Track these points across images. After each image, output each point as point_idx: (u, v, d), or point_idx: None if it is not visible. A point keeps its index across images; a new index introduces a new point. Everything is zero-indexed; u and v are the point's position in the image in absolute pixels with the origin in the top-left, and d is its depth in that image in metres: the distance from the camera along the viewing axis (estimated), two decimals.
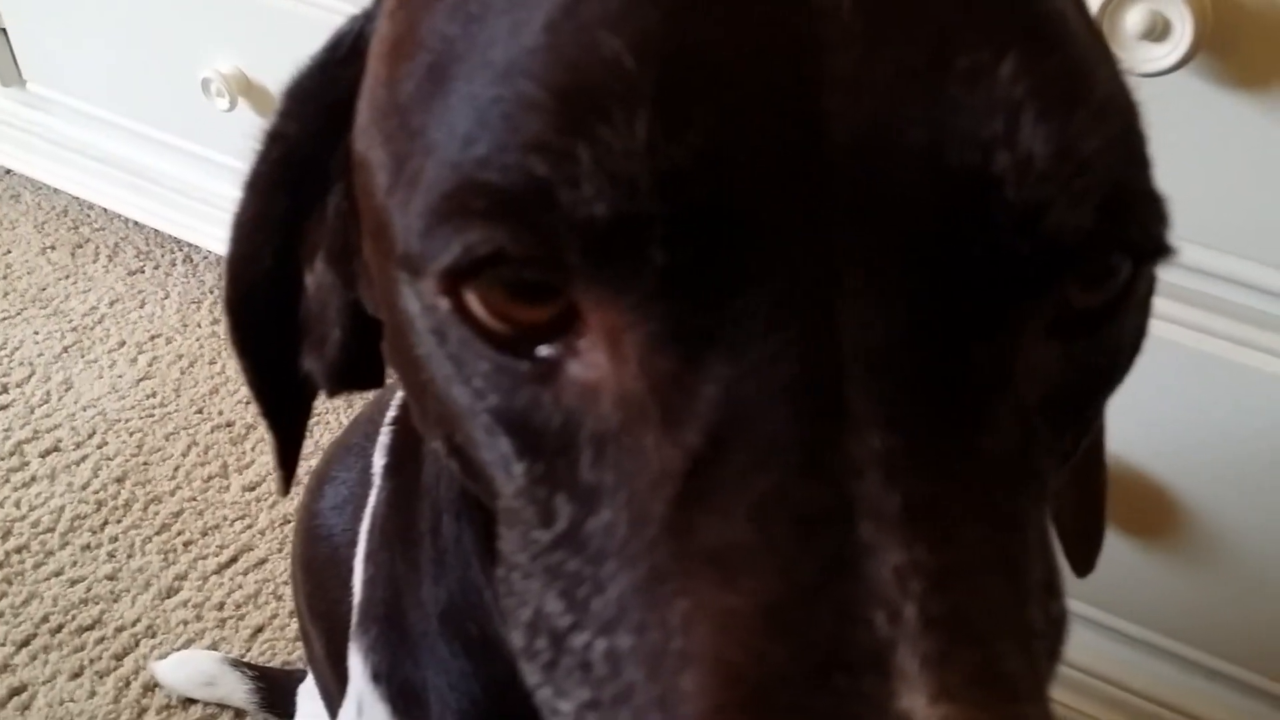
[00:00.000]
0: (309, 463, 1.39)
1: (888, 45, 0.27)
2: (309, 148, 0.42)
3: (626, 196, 0.27)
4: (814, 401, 0.27)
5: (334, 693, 0.77)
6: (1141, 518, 1.07)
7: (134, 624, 1.41)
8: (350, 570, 0.67)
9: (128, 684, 1.35)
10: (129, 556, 1.48)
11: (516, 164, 0.27)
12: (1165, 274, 0.89)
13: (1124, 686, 1.20)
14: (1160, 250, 0.32)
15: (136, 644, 1.39)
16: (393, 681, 0.55)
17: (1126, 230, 0.30)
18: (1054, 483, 0.35)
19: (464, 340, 0.30)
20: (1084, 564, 0.54)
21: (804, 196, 0.27)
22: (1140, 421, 1.01)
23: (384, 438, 0.62)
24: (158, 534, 1.51)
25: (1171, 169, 0.88)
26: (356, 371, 0.45)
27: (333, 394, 0.47)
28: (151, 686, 1.34)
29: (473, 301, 0.29)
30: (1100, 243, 0.30)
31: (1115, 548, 1.09)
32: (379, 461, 0.61)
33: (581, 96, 0.27)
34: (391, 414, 0.62)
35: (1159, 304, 0.94)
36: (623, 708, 0.28)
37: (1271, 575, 1.04)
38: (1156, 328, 0.94)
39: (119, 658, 1.37)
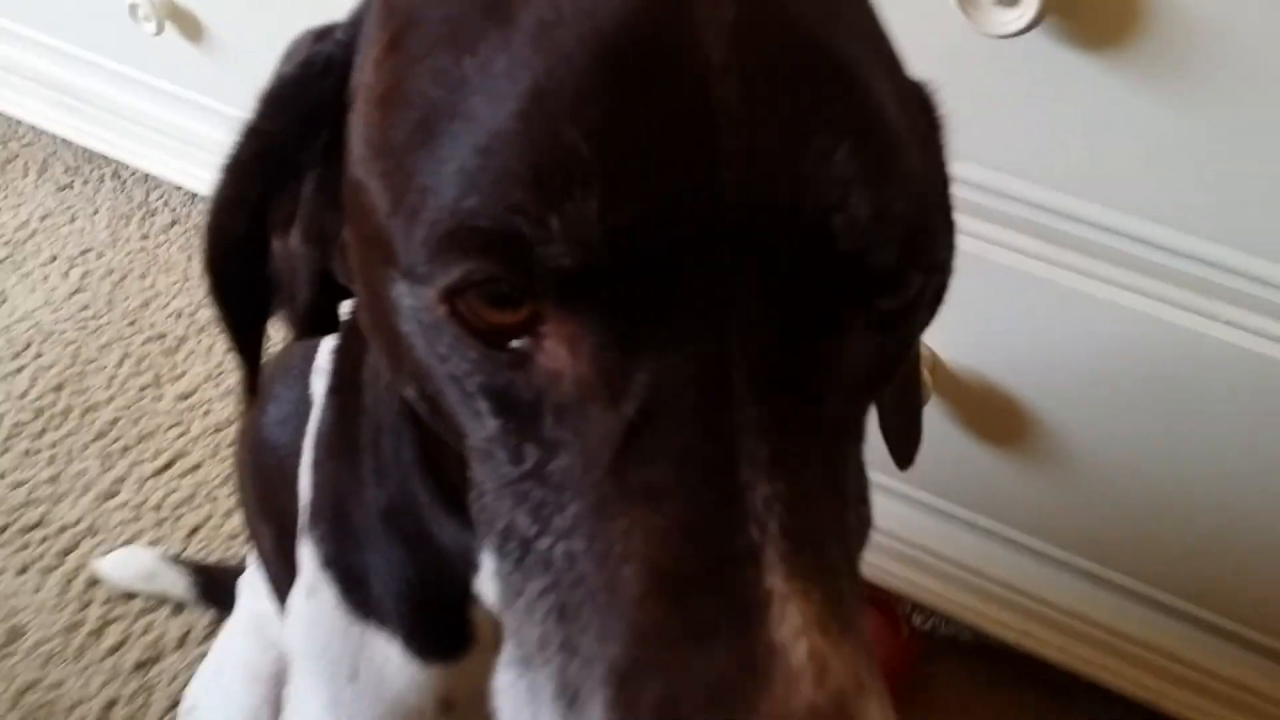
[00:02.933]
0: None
1: (765, 135, 0.38)
2: (282, 143, 0.50)
3: (584, 252, 0.37)
4: (712, 386, 0.38)
5: (282, 582, 0.88)
6: (995, 426, 1.20)
7: (76, 524, 1.50)
8: (295, 477, 0.77)
9: (71, 579, 1.44)
10: (69, 461, 1.56)
11: (504, 221, 0.37)
12: (1025, 213, 1.00)
13: (983, 575, 1.34)
14: (943, 270, 0.43)
15: (79, 543, 1.48)
16: (339, 567, 0.65)
17: (919, 261, 0.41)
18: (866, 422, 0.46)
19: (455, 335, 0.40)
20: (905, 461, 0.66)
21: (706, 245, 0.38)
22: (995, 343, 1.14)
23: (324, 363, 0.72)
24: (95, 440, 1.59)
25: (1025, 120, 0.99)
26: (320, 321, 0.54)
27: (299, 339, 0.56)
28: (95, 582, 1.44)
29: (463, 308, 0.39)
30: (901, 271, 0.41)
31: (973, 452, 1.22)
32: (319, 384, 0.71)
33: (552, 177, 0.36)
34: (331, 344, 0.72)
35: (1017, 239, 1.06)
36: (577, 589, 0.38)
37: (1107, 475, 1.18)
38: (1013, 259, 1.07)
39: (63, 555, 1.46)
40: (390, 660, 0.65)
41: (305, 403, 0.78)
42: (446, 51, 0.40)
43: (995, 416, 1.19)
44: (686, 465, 0.38)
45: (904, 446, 0.66)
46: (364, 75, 0.46)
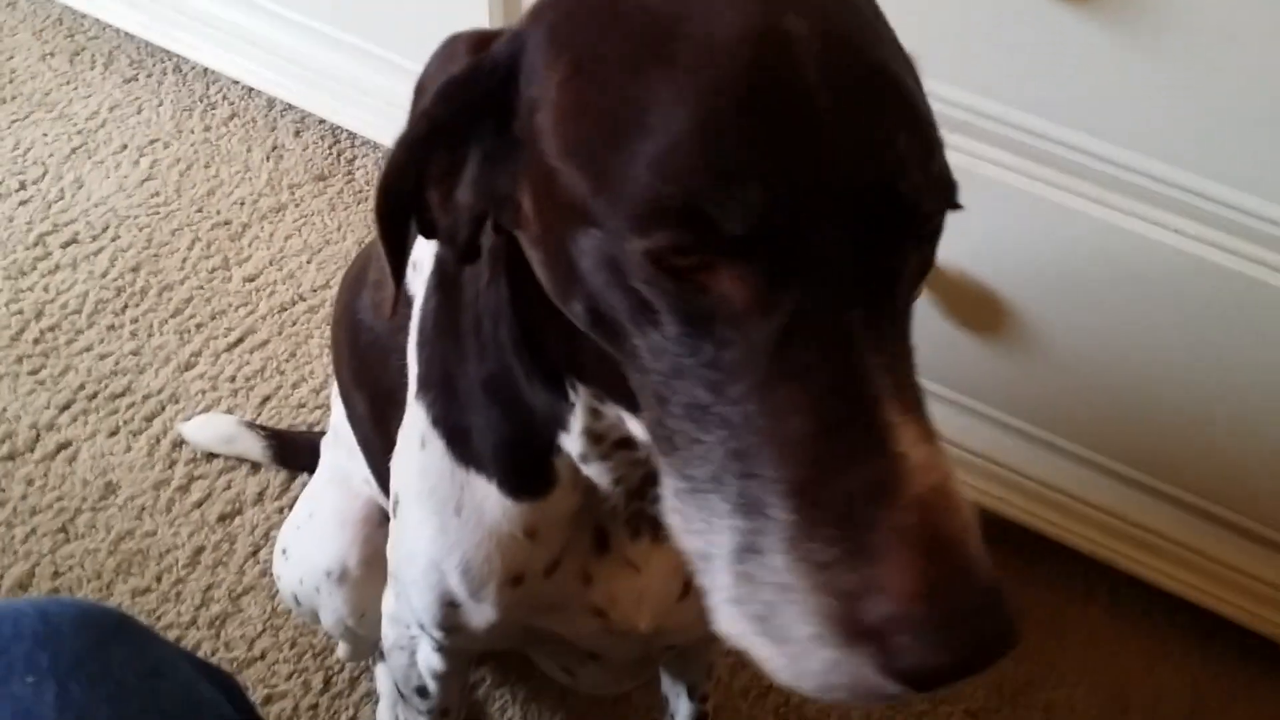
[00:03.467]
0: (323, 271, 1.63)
1: (850, 132, 0.54)
2: (449, 127, 0.63)
3: (749, 223, 0.53)
4: (834, 299, 0.55)
5: (372, 441, 1.05)
6: (977, 316, 1.36)
7: (159, 392, 1.68)
8: (387, 352, 0.93)
9: (158, 441, 1.62)
10: (149, 336, 1.74)
11: (695, 203, 0.52)
12: (1007, 132, 1.14)
13: (963, 447, 1.51)
14: (957, 207, 0.60)
15: (163, 409, 1.66)
16: (446, 424, 0.81)
17: (949, 201, 0.59)
18: None
19: (653, 274, 0.56)
20: None
21: (822, 210, 0.54)
22: (979, 244, 1.29)
23: (420, 260, 0.87)
24: (172, 317, 1.76)
25: (1012, 53, 1.12)
26: (471, 254, 0.70)
27: (460, 264, 0.72)
28: (179, 443, 1.62)
29: (662, 257, 0.55)
30: (939, 212, 0.59)
31: (956, 339, 1.38)
32: (416, 280, 0.87)
33: (725, 173, 0.52)
34: (428, 248, 0.87)
35: (1001, 155, 1.21)
36: (751, 436, 0.55)
37: (1074, 361, 1.34)
38: (997, 173, 1.22)
39: (149, 420, 1.65)
40: (489, 498, 0.81)
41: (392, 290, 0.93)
42: (624, 78, 0.56)
43: (977, 308, 1.35)
44: (824, 351, 0.55)
45: None
46: (545, 90, 0.59)
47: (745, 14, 0.55)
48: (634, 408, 0.67)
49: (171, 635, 1.45)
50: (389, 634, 1.05)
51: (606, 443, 0.76)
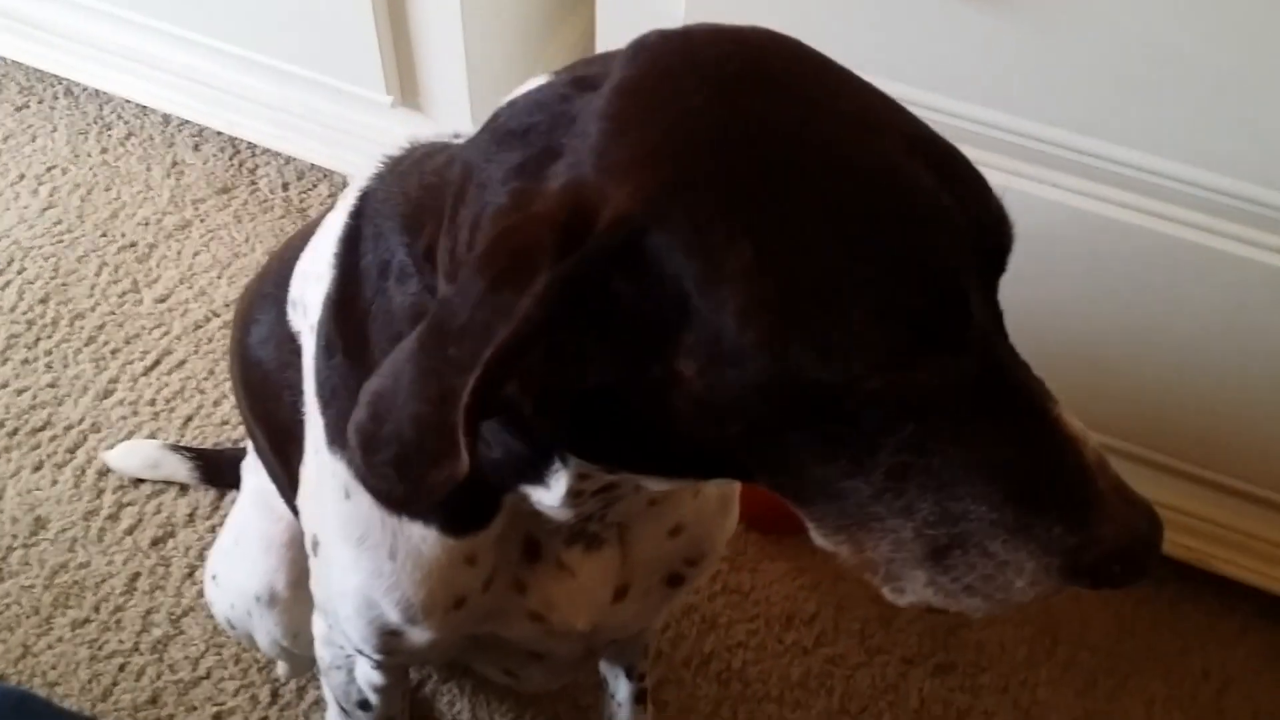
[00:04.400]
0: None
1: (979, 211, 0.61)
2: (553, 322, 0.58)
3: (969, 325, 0.60)
4: (998, 347, 0.62)
5: (277, 471, 1.05)
6: None
7: (80, 422, 1.67)
8: (280, 387, 0.93)
9: (83, 471, 1.62)
10: (65, 366, 1.73)
11: (934, 333, 0.59)
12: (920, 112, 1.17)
13: None
14: None
15: (85, 439, 1.66)
16: None
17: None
18: None
19: (881, 397, 0.60)
20: None
21: (985, 280, 0.62)
22: None
23: (298, 297, 0.87)
24: (86, 345, 1.76)
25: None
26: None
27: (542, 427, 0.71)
28: (105, 472, 1.62)
29: (894, 381, 0.60)
30: None
31: None
32: (298, 319, 0.86)
33: (955, 300, 0.59)
34: (305, 281, 0.86)
35: None
36: (955, 471, 0.62)
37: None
38: None
39: (72, 451, 1.64)
40: (426, 539, 0.80)
41: (281, 325, 0.93)
42: (818, 247, 0.57)
43: None
44: (1006, 386, 0.62)
45: None
46: (726, 277, 0.57)
47: (869, 146, 0.60)
48: (659, 474, 0.72)
49: (115, 663, 1.46)
50: (324, 656, 1.06)
51: (587, 494, 0.76)
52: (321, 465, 0.84)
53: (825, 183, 0.58)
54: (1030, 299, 1.31)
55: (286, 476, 1.01)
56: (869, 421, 0.60)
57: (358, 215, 0.80)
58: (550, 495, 0.75)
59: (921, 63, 1.20)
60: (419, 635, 0.88)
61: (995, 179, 1.19)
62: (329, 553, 0.88)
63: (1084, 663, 1.54)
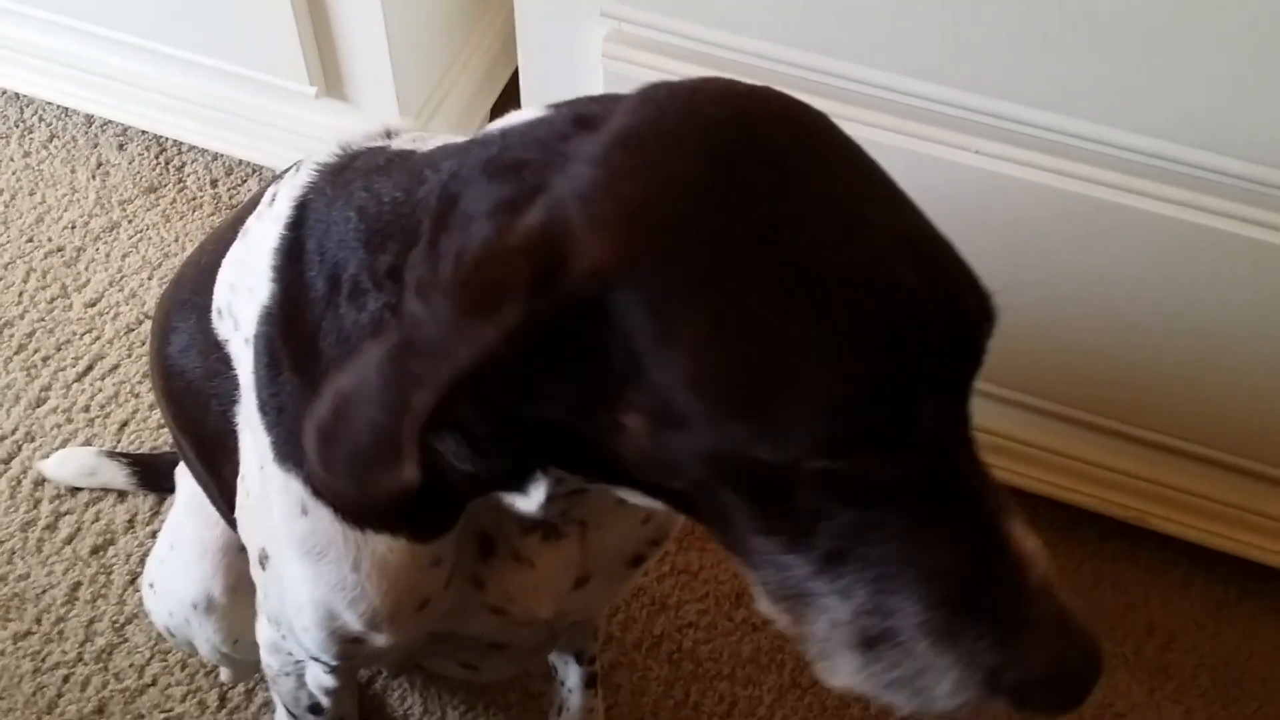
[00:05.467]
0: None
1: (955, 318, 0.61)
2: (513, 359, 0.60)
3: (926, 433, 0.60)
4: (957, 449, 0.63)
5: (206, 480, 1.03)
6: None
7: (13, 432, 1.65)
8: (206, 396, 0.91)
9: (18, 482, 1.60)
10: None
11: (876, 430, 0.59)
12: (813, 76, 1.16)
13: None
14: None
15: (19, 449, 1.63)
16: (334, 494, 0.77)
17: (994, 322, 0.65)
18: None
19: (819, 482, 0.60)
20: None
21: (951, 392, 0.62)
22: None
23: (223, 304, 0.85)
24: (16, 354, 1.73)
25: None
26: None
27: (478, 468, 0.73)
28: (40, 482, 1.60)
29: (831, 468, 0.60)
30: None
31: None
32: (225, 328, 0.85)
33: (904, 402, 0.59)
34: (232, 291, 0.85)
35: (809, 101, 1.23)
36: (894, 564, 0.63)
37: None
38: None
39: (6, 462, 1.62)
40: (393, 549, 0.80)
41: (202, 334, 0.91)
42: (772, 330, 0.58)
43: None
44: (957, 492, 0.63)
45: None
46: (678, 344, 0.59)
47: (846, 235, 0.60)
48: (630, 484, 0.70)
49: (59, 674, 1.45)
50: (271, 663, 1.05)
51: (560, 495, 0.76)
52: (268, 481, 0.82)
53: (794, 272, 0.58)
54: None
55: (216, 485, 1.00)
56: (807, 502, 0.62)
57: (297, 226, 0.78)
58: (528, 502, 0.75)
59: (826, 30, 1.20)
60: (381, 640, 0.88)
61: (906, 145, 1.23)
62: (282, 567, 0.86)
63: None
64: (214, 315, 0.88)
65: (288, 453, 0.80)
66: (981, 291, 0.64)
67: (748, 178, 0.60)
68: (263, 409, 0.81)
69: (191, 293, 0.94)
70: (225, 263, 0.87)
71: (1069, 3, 1.08)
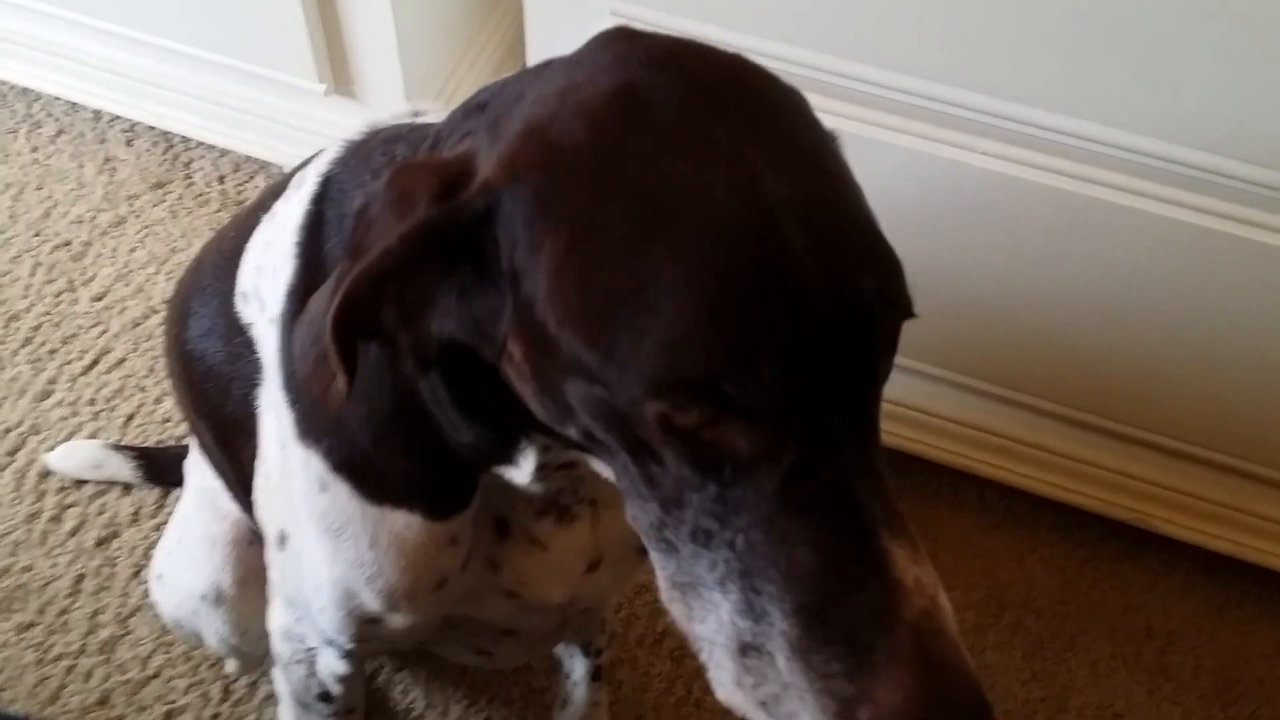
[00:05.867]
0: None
1: (838, 289, 0.57)
2: (415, 266, 0.63)
3: (766, 399, 0.56)
4: (830, 443, 0.58)
5: (224, 467, 1.05)
6: None
7: (19, 425, 1.65)
8: (226, 380, 0.93)
9: (24, 474, 1.60)
10: (1, 369, 1.71)
11: (713, 381, 0.56)
12: (824, 77, 1.17)
13: None
14: (912, 316, 0.64)
15: (24, 441, 1.64)
16: (353, 470, 0.80)
17: (907, 316, 0.62)
18: None
19: (665, 434, 0.59)
20: None
21: (819, 361, 0.57)
22: None
23: (249, 288, 0.87)
24: (23, 347, 1.73)
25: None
26: (429, 364, 0.70)
27: (417, 371, 0.73)
28: (46, 474, 1.60)
29: (673, 419, 0.58)
30: (899, 326, 0.61)
31: None
32: (250, 310, 0.87)
33: (742, 357, 0.56)
34: (259, 275, 0.86)
35: (818, 101, 1.23)
36: (757, 559, 0.59)
37: (944, 294, 1.39)
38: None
39: (12, 454, 1.62)
40: (410, 525, 0.81)
41: (224, 319, 0.93)
42: (626, 256, 0.57)
43: None
44: (824, 489, 0.59)
45: None
46: (536, 259, 0.60)
47: (734, 186, 0.58)
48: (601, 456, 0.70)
49: (62, 665, 1.45)
50: (282, 651, 1.06)
51: (551, 467, 0.77)
52: (289, 459, 0.84)
53: (656, 208, 0.58)
54: (959, 265, 1.34)
55: (234, 471, 1.00)
56: (672, 465, 0.61)
57: (320, 200, 0.80)
58: (521, 473, 0.77)
59: (837, 31, 1.21)
60: (398, 620, 0.89)
61: (913, 146, 1.24)
62: (301, 546, 0.87)
63: (1030, 625, 1.56)
64: (238, 299, 0.89)
65: (308, 429, 0.82)
66: (890, 277, 0.61)
67: (648, 115, 0.60)
68: (285, 386, 0.82)
69: (213, 278, 0.95)
70: (251, 246, 0.89)
71: (1074, 4, 1.09)
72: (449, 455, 0.78)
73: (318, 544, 0.85)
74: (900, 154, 1.26)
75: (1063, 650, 1.54)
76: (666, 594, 0.65)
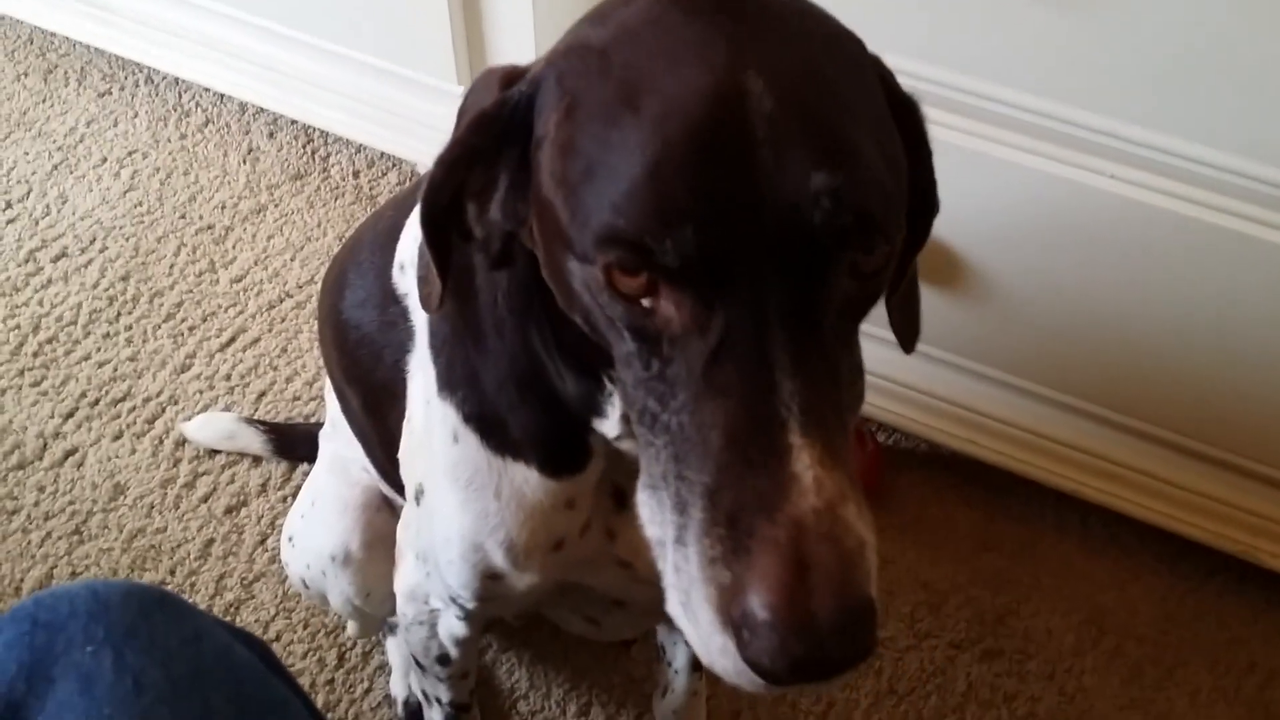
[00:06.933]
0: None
1: (783, 177, 0.60)
2: (481, 151, 0.70)
3: (682, 257, 0.59)
4: (757, 323, 0.61)
5: (367, 432, 1.11)
6: (937, 272, 1.42)
7: (158, 395, 1.74)
8: (379, 348, 0.99)
9: (161, 442, 1.69)
10: (144, 341, 1.80)
11: (639, 237, 0.59)
12: (951, 94, 1.20)
13: (933, 395, 1.58)
14: (890, 240, 0.65)
15: (163, 411, 1.72)
16: (480, 420, 0.87)
17: (867, 237, 0.63)
18: (857, 332, 0.70)
19: (610, 294, 0.63)
20: (909, 347, 0.91)
21: (752, 244, 0.60)
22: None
23: (408, 257, 0.93)
24: (165, 322, 1.82)
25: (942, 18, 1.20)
26: (505, 260, 0.76)
27: (493, 269, 0.78)
28: (182, 443, 1.69)
29: (613, 278, 0.63)
30: (854, 239, 0.63)
31: (925, 296, 1.45)
32: (406, 279, 0.93)
33: (666, 215, 0.59)
34: (414, 242, 0.92)
35: (943, 116, 1.27)
36: (685, 444, 0.63)
37: (1025, 307, 1.41)
38: (948, 135, 1.28)
39: (150, 422, 1.71)
40: (529, 481, 0.87)
41: (380, 290, 0.99)
42: (601, 124, 0.63)
43: (934, 263, 1.41)
44: (746, 372, 0.61)
45: (908, 337, 0.90)
46: (548, 128, 0.66)
47: (710, 72, 0.61)
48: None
49: None
50: (407, 612, 1.11)
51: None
52: (431, 414, 0.90)
53: (642, 86, 0.62)
54: (1079, 287, 1.35)
55: (378, 433, 1.06)
56: (624, 331, 0.64)
57: None
58: (609, 424, 0.81)
59: (973, 50, 1.23)
60: (521, 581, 0.94)
61: (1042, 167, 1.26)
62: (435, 499, 0.93)
63: (1130, 652, 1.56)
64: (395, 270, 0.95)
65: (446, 380, 0.88)
66: (849, 182, 0.61)
67: (670, 15, 0.64)
68: (431, 343, 0.89)
69: (369, 253, 1.01)
70: (411, 221, 0.95)
71: (1213, 32, 1.11)
72: (560, 408, 0.83)
73: (450, 494, 0.90)
74: (1029, 174, 1.28)
75: (1162, 679, 1.54)
76: (639, 497, 0.66)
